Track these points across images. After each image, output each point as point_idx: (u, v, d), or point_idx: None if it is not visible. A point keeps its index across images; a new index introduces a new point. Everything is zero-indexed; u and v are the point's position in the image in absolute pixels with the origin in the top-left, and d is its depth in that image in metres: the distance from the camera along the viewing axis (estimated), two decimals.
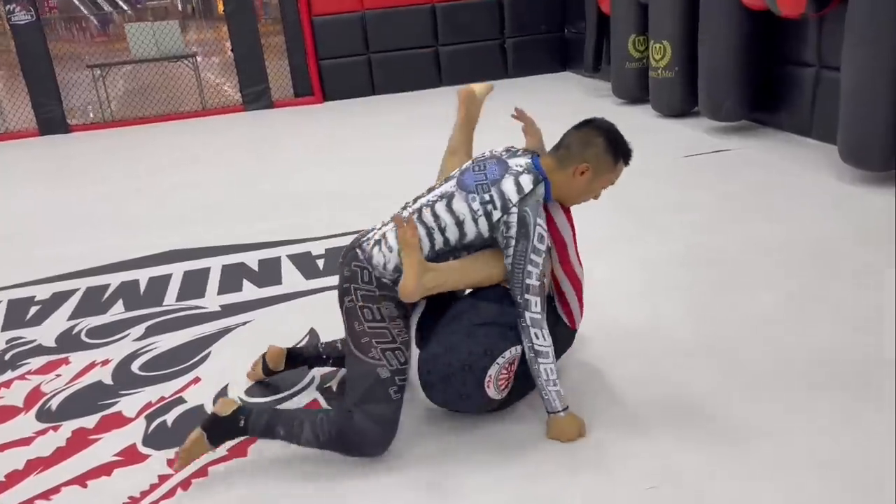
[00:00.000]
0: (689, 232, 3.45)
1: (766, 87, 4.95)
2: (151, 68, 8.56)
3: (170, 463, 2.08)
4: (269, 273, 3.45)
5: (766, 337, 2.46)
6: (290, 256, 3.61)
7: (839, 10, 3.95)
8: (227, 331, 2.89)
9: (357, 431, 1.95)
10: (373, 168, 5.26)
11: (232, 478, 2.01)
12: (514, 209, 1.97)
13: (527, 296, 1.97)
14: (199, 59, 8.91)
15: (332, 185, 4.86)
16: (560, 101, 6.99)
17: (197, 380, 2.55)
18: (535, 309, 1.97)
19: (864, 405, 2.06)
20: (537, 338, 1.97)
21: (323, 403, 2.32)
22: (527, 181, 2.01)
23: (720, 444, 1.96)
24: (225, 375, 2.55)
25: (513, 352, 1.98)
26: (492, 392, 1.98)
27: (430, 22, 8.27)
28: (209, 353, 2.73)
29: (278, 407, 2.09)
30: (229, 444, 2.13)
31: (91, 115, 8.23)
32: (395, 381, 1.98)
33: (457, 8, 8.27)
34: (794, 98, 4.82)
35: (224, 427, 2.01)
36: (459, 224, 2.01)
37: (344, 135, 6.58)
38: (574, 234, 2.24)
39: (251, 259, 3.64)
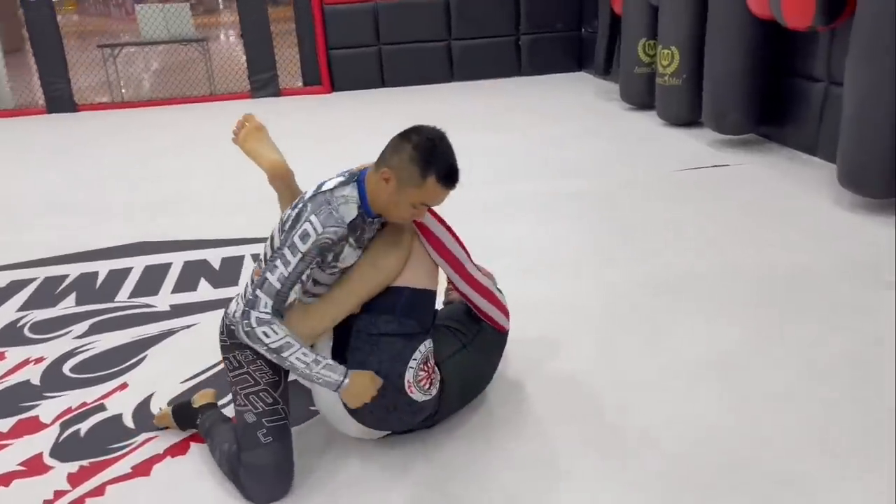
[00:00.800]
0: (665, 253, 3.28)
1: (773, 100, 4.73)
2: (170, 51, 8.55)
3: (71, 477, 2.00)
4: (228, 273, 3.35)
5: (714, 379, 2.30)
6: (254, 256, 3.52)
7: (850, 23, 3.73)
8: (168, 333, 2.80)
9: (243, 478, 1.87)
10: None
11: (127, 499, 1.92)
12: (301, 204, 1.83)
13: (258, 292, 1.76)
14: (229, 39, 8.85)
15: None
16: (568, 103, 6.82)
17: (124, 386, 2.46)
18: (262, 309, 1.75)
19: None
20: (267, 336, 1.75)
21: None
22: (332, 182, 1.89)
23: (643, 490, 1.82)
24: (152, 384, 2.45)
25: (423, 350, 1.93)
26: (416, 395, 1.92)
27: (443, 15, 8.11)
28: (145, 356, 2.64)
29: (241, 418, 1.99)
30: (136, 461, 2.05)
31: (106, 96, 8.23)
32: (264, 424, 1.86)
33: (471, 2, 8.09)
34: (801, 113, 4.59)
35: (187, 415, 2.13)
36: None
37: (347, 127, 6.47)
38: (465, 250, 2.12)
39: (214, 256, 3.54)
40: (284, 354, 1.78)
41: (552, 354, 2.48)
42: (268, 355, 1.79)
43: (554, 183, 4.43)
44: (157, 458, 2.07)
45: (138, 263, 3.51)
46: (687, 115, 5.42)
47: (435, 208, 2.00)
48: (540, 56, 8.36)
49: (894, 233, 3.29)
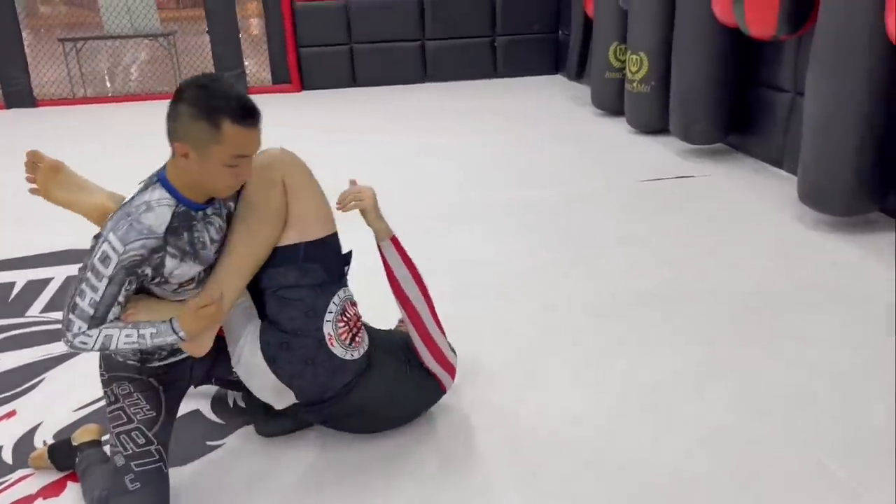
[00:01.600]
0: (615, 272, 3.11)
1: (740, 109, 4.58)
2: (138, 46, 8.32)
3: None
4: None
5: (639, 413, 2.14)
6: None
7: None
8: (72, 354, 2.61)
9: None
10: (336, 164, 4.96)
11: None
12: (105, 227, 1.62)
13: (71, 316, 1.60)
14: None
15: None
16: (538, 107, 6.65)
17: (11, 413, 2.27)
18: (75, 331, 1.60)
19: None
20: (86, 343, 1.60)
21: None
22: (133, 192, 1.67)
23: None
24: (42, 412, 2.27)
25: (337, 301, 1.83)
26: (338, 349, 1.82)
27: (416, 15, 7.92)
28: (42, 379, 2.46)
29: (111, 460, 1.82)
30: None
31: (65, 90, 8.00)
32: (132, 468, 1.70)
33: (446, 2, 7.90)
34: (767, 124, 4.44)
35: (66, 454, 1.94)
36: None
37: (316, 127, 6.27)
38: (427, 297, 1.97)
39: None
40: (112, 347, 1.63)
41: (476, 381, 2.31)
42: (103, 352, 1.67)
43: (509, 192, 4.26)
44: (27, 500, 1.89)
45: (59, 273, 3.31)
46: (656, 123, 5.26)
47: (404, 246, 1.91)
48: (515, 58, 8.19)
49: (855, 252, 3.15)
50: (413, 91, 7.75)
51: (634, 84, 5.27)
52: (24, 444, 2.11)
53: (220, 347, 1.86)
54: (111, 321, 1.62)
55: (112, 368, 1.82)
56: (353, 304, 1.90)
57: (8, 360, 2.58)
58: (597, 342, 2.55)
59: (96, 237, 1.64)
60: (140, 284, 1.66)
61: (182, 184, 1.66)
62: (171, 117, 1.61)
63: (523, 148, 5.28)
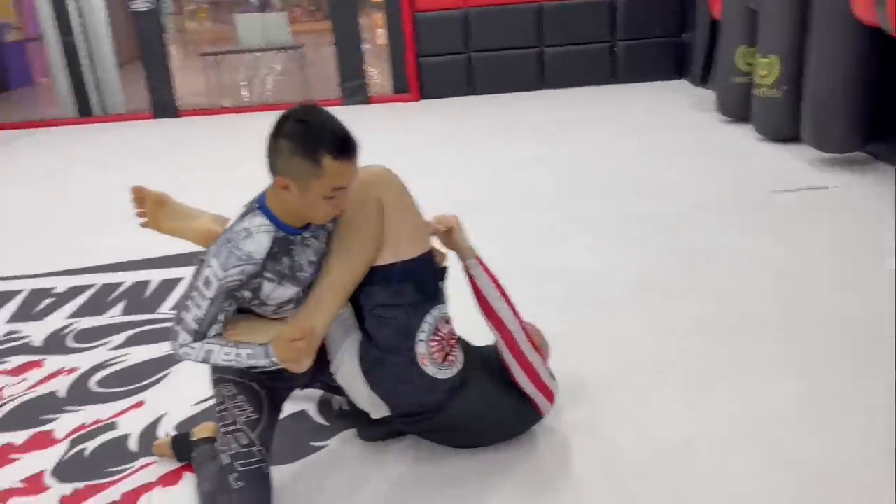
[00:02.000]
0: (730, 290, 2.95)
1: (881, 115, 4.22)
2: (271, 59, 8.81)
3: (63, 500, 1.99)
4: None
5: (758, 443, 2.01)
6: None
7: None
8: None
9: None
10: (449, 172, 5.04)
11: None
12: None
13: (177, 328, 1.74)
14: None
15: None
16: (658, 114, 6.44)
17: (139, 404, 2.45)
18: (181, 341, 1.74)
19: None
20: (189, 354, 1.74)
21: None
22: (234, 218, 1.76)
23: None
24: (167, 404, 2.43)
25: (430, 320, 1.84)
26: (430, 369, 1.83)
27: (535, 22, 7.88)
28: (168, 373, 2.63)
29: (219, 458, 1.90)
30: (128, 488, 2.02)
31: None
32: (236, 468, 1.77)
33: (565, 7, 7.81)
34: None
35: (185, 447, 2.06)
36: None
37: (433, 135, 6.40)
38: (518, 316, 1.94)
39: None
40: (212, 361, 1.74)
41: (578, 400, 2.26)
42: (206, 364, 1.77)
43: (622, 202, 4.15)
44: (148, 487, 2.03)
45: (190, 275, 3.54)
46: (786, 130, 4.95)
47: (489, 266, 1.92)
48: (636, 63, 7.96)
49: None
50: (530, 98, 7.71)
51: (764, 88, 4.98)
52: (148, 434, 2.27)
53: (323, 355, 1.93)
54: (213, 336, 1.73)
55: (220, 370, 1.92)
56: (447, 321, 1.90)
57: (140, 353, 2.79)
58: (707, 364, 2.43)
59: (200, 259, 1.74)
60: (241, 304, 1.76)
61: (281, 210, 1.72)
62: (272, 151, 1.66)
63: (642, 156, 5.13)
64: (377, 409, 1.93)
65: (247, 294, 1.72)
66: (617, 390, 2.31)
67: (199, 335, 1.72)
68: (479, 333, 2.18)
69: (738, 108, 5.67)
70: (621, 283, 3.11)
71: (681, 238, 3.57)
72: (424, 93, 8.09)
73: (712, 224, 3.71)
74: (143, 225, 2.03)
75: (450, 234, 1.93)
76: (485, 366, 2.00)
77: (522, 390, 1.97)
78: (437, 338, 1.85)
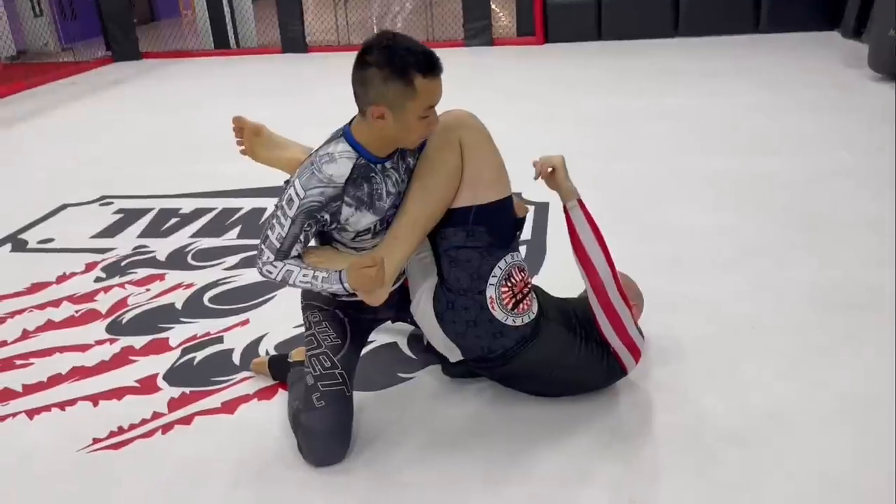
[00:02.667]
0: (856, 261, 2.73)
1: None
2: None
3: (171, 402, 2.17)
4: None
5: (858, 426, 1.88)
6: None
7: None
8: None
9: (299, 438, 1.89)
10: (565, 120, 4.94)
11: (208, 432, 2.03)
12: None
13: (262, 246, 1.81)
14: None
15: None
16: (801, 67, 5.97)
17: (245, 322, 2.60)
18: (265, 260, 1.81)
19: None
20: (270, 273, 1.82)
21: None
22: (321, 143, 1.80)
23: None
24: (269, 324, 2.57)
25: (503, 266, 1.85)
26: (498, 313, 1.85)
27: None
28: (273, 296, 2.78)
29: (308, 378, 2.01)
30: (227, 398, 2.17)
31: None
32: (319, 388, 1.85)
33: None
34: None
35: (282, 367, 2.19)
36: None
37: (550, 81, 6.25)
38: (612, 265, 1.89)
39: None
40: (291, 281, 1.81)
41: (668, 359, 2.19)
42: (284, 285, 1.84)
43: (747, 160, 3.91)
44: (245, 399, 2.17)
45: None
46: None
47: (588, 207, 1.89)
48: (783, 11, 7.37)
49: None
50: (661, 47, 7.34)
51: None
52: (250, 351, 2.42)
53: (407, 297, 1.97)
54: (293, 258, 1.80)
55: (308, 296, 2.02)
56: (521, 270, 1.89)
57: (249, 275, 2.95)
58: (816, 337, 2.29)
59: (286, 182, 1.80)
60: (321, 228, 1.81)
61: (368, 140, 1.75)
62: (362, 84, 1.68)
63: (776, 112, 4.79)
64: (452, 352, 1.96)
65: (326, 217, 1.76)
66: (710, 355, 2.22)
67: (281, 254, 1.78)
68: (562, 287, 2.15)
69: (893, 64, 5.16)
70: (733, 244, 2.95)
71: (805, 202, 3.33)
72: (549, 36, 7.88)
73: (844, 190, 3.43)
74: (242, 153, 2.14)
75: (553, 174, 1.90)
76: (563, 317, 1.97)
77: (607, 342, 1.93)
78: (509, 284, 1.85)
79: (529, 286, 1.92)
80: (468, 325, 1.87)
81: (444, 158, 1.83)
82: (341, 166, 1.74)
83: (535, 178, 1.92)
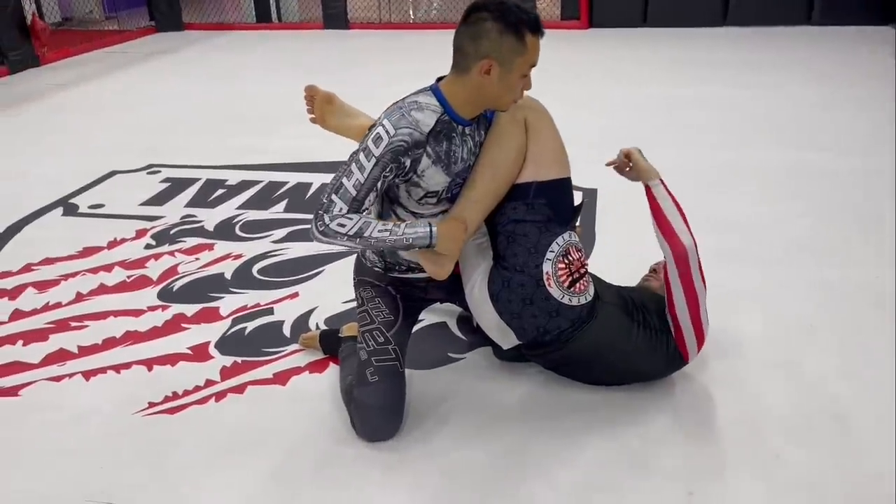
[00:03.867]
0: None
1: None
2: None
3: (223, 370, 2.19)
4: None
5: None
6: None
7: None
8: (350, 252, 2.92)
9: (351, 413, 1.90)
10: (608, 108, 4.88)
11: (260, 402, 2.05)
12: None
13: (333, 196, 1.71)
14: None
15: None
16: (855, 62, 5.83)
17: (295, 295, 2.62)
18: (335, 212, 1.70)
19: None
20: (343, 226, 1.69)
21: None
22: (409, 94, 1.78)
23: None
24: (319, 298, 2.58)
25: (561, 242, 1.85)
26: (555, 290, 1.84)
27: None
28: (322, 271, 2.79)
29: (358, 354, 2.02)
30: (279, 369, 2.19)
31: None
32: (372, 363, 1.86)
33: None
34: None
35: (332, 342, 2.20)
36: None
37: (597, 67, 6.17)
38: (694, 240, 1.88)
39: None
40: (367, 234, 1.71)
41: (726, 354, 2.16)
42: (352, 244, 1.74)
43: (796, 153, 3.83)
44: (297, 371, 2.18)
45: None
46: None
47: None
48: (837, 4, 7.20)
49: None
50: (708, 35, 7.21)
51: None
52: (300, 323, 2.43)
53: (457, 280, 1.96)
54: (366, 212, 1.74)
55: (361, 272, 2.02)
56: (579, 250, 1.89)
57: (299, 248, 2.97)
58: (875, 334, 2.24)
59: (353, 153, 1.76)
60: (396, 178, 1.76)
61: (458, 98, 1.76)
62: (475, 36, 1.69)
63: (826, 107, 4.68)
64: (505, 337, 1.95)
65: (407, 163, 1.73)
66: (766, 351, 2.19)
67: (356, 204, 1.71)
68: (612, 277, 2.13)
69: None
70: (783, 239, 2.90)
71: (860, 198, 3.26)
72: (594, 21, 7.78)
73: None
74: (312, 121, 2.17)
75: (631, 157, 1.95)
76: (620, 301, 1.96)
77: (676, 320, 1.90)
78: (566, 261, 1.85)
79: (586, 267, 1.92)
80: (524, 303, 1.86)
81: (511, 134, 1.86)
82: (427, 117, 1.75)
83: (610, 165, 2.00)
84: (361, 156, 1.72)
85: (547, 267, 1.84)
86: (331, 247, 2.91)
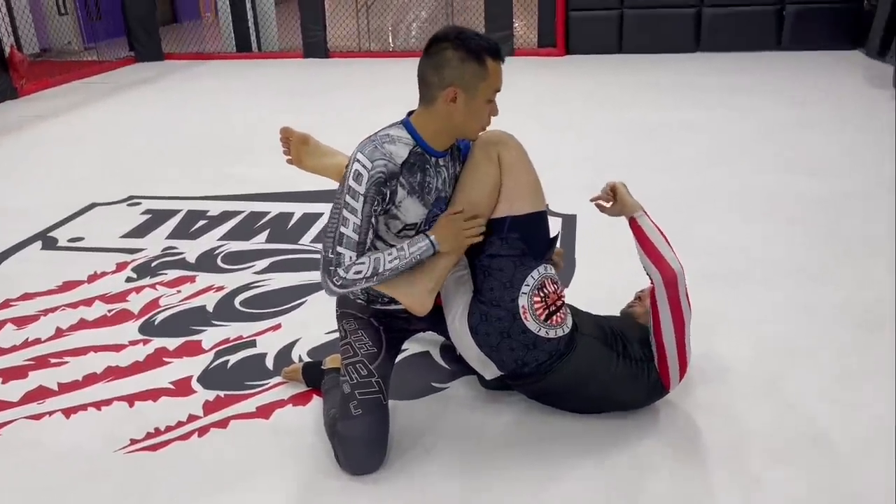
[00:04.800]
0: (885, 282, 2.72)
1: None
2: (419, 4, 8.88)
3: (206, 405, 2.17)
4: None
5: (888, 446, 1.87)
6: None
7: None
8: None
9: (335, 447, 1.89)
10: (586, 133, 4.94)
11: (244, 436, 2.03)
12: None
13: (339, 248, 1.75)
14: None
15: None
16: (825, 85, 5.97)
17: (278, 326, 2.61)
18: (345, 265, 1.75)
19: None
20: (360, 272, 1.76)
21: None
22: (381, 128, 1.82)
23: None
24: (302, 329, 2.58)
25: (536, 276, 1.87)
26: (531, 324, 1.86)
27: None
28: (305, 301, 2.78)
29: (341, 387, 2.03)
30: (262, 402, 2.18)
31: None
32: (356, 396, 1.86)
33: None
34: None
35: (315, 374, 2.20)
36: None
37: (573, 92, 6.26)
38: (681, 265, 1.91)
39: None
40: (381, 269, 1.77)
41: (708, 378, 2.18)
42: (370, 284, 1.79)
43: (773, 177, 3.90)
44: (280, 404, 2.17)
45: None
46: None
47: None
48: (806, 29, 7.38)
49: None
50: (683, 61, 7.35)
51: None
52: (283, 355, 2.42)
53: (440, 310, 1.98)
54: (369, 248, 1.79)
55: (344, 305, 2.02)
56: (555, 282, 1.91)
57: (281, 279, 2.96)
58: (854, 357, 2.28)
59: (337, 196, 1.78)
60: (381, 210, 1.78)
61: (429, 130, 1.80)
62: (438, 66, 1.74)
63: (799, 130, 4.78)
64: (487, 368, 1.96)
65: (387, 193, 1.76)
66: (749, 375, 2.22)
67: (361, 247, 1.76)
68: (592, 301, 2.15)
69: None
70: (765, 262, 2.95)
71: (837, 221, 3.32)
72: (570, 48, 7.90)
73: (872, 209, 3.42)
74: (289, 162, 2.20)
75: (616, 192, 1.98)
76: (599, 332, 1.98)
77: (662, 346, 1.92)
78: (541, 294, 1.87)
79: (563, 299, 1.93)
80: (502, 336, 1.88)
81: (486, 171, 1.90)
82: (400, 149, 1.79)
83: (594, 200, 2.03)
84: (348, 198, 1.74)
85: (523, 301, 1.86)
86: (313, 278, 2.96)
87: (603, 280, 2.77)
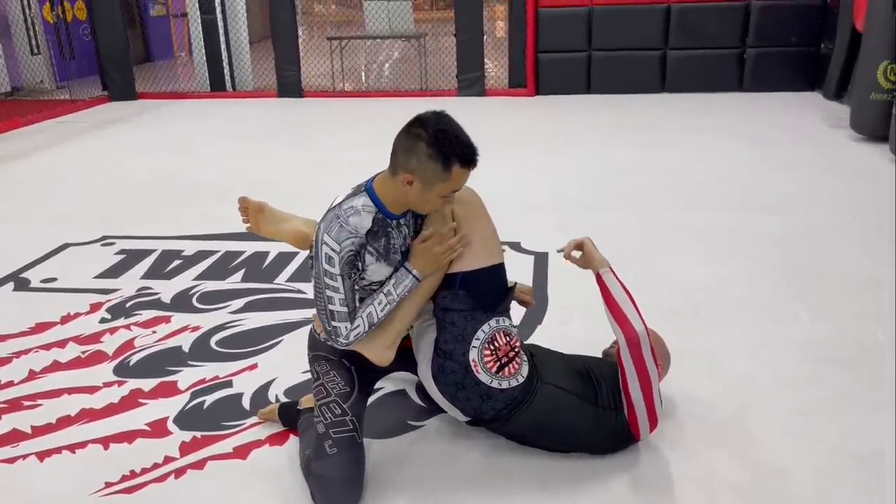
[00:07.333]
0: (845, 317, 2.83)
1: None
2: (392, 46, 9.05)
3: (183, 446, 2.18)
4: None
5: (864, 480, 1.94)
6: None
7: None
8: (308, 322, 2.95)
9: (311, 486, 1.92)
10: (556, 172, 5.06)
11: (221, 477, 2.04)
12: (317, 227, 1.86)
13: (334, 323, 1.87)
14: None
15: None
16: (785, 126, 6.18)
17: (254, 366, 2.63)
18: (344, 334, 1.88)
19: None
20: (359, 334, 1.89)
21: None
22: (340, 197, 1.89)
23: None
24: (278, 369, 2.60)
25: (487, 330, 1.93)
26: (483, 376, 1.92)
27: (661, 23, 7.70)
28: (280, 341, 2.81)
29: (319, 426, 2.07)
30: (239, 443, 2.19)
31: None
32: (330, 435, 1.91)
33: (695, 10, 7.59)
34: None
35: (291, 415, 2.22)
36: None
37: (541, 132, 6.41)
38: (644, 323, 1.96)
39: None
40: (377, 320, 1.90)
41: (675, 416, 2.25)
42: (375, 329, 1.91)
43: (736, 215, 4.03)
44: (257, 444, 2.19)
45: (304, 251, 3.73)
46: None
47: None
48: (766, 72, 7.65)
49: None
50: (649, 102, 7.56)
51: None
52: (259, 395, 2.44)
53: (411, 353, 2.05)
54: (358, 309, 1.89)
55: (315, 348, 2.08)
56: (507, 334, 1.96)
57: (257, 318, 2.98)
58: (812, 393, 2.36)
59: (310, 256, 1.90)
60: (357, 276, 1.88)
61: (388, 197, 1.87)
62: (407, 151, 1.80)
63: (762, 169, 4.95)
64: (454, 411, 2.02)
65: (358, 264, 1.86)
66: (714, 410, 2.28)
67: (353, 313, 1.88)
68: (563, 338, 2.21)
69: (874, 126, 5.38)
70: (728, 299, 3.04)
71: (797, 258, 3.44)
72: (540, 88, 8.09)
73: (834, 247, 3.55)
74: (248, 230, 2.33)
75: (583, 247, 2.04)
76: (567, 375, 2.01)
77: (630, 401, 1.97)
78: (491, 348, 1.93)
79: (516, 349, 1.98)
80: (457, 386, 1.95)
81: (442, 223, 1.96)
82: (364, 219, 1.86)
83: (560, 252, 2.08)
84: (328, 280, 1.83)
85: (473, 354, 1.92)
86: (289, 316, 2.99)
87: (575, 317, 2.84)
